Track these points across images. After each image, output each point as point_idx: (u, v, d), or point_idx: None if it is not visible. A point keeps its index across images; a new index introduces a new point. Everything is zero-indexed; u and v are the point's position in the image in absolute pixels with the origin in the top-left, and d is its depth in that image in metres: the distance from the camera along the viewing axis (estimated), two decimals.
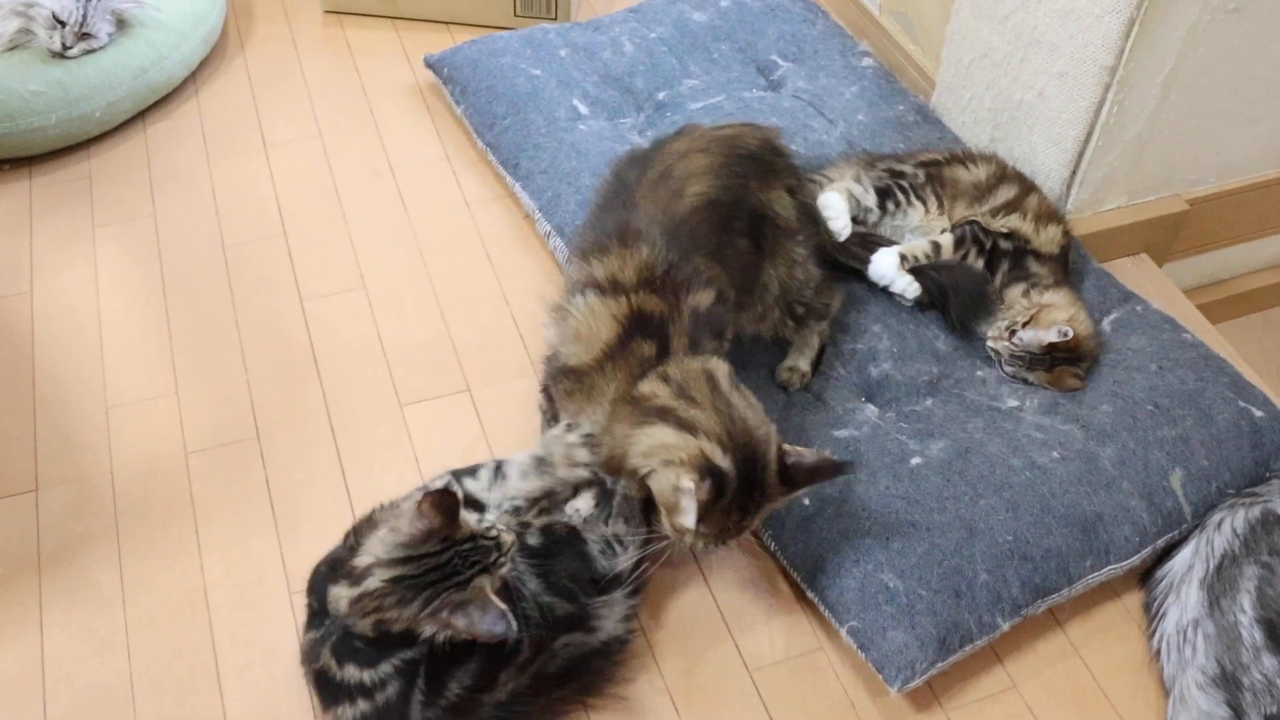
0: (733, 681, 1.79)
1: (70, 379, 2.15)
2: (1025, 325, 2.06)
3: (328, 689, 1.64)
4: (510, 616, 1.55)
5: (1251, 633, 1.73)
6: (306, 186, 2.54)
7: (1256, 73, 2.29)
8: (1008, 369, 2.09)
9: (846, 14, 2.91)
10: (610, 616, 1.74)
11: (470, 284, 2.36)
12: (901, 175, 2.27)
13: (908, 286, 2.15)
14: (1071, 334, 2.02)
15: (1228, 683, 1.72)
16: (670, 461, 1.59)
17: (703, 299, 1.76)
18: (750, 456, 1.60)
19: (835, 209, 2.17)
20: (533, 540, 1.73)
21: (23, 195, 2.50)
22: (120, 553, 1.91)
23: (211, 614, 1.84)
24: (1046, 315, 2.07)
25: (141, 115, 2.67)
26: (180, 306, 2.29)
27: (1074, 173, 2.32)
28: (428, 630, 1.56)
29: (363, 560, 1.59)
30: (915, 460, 1.90)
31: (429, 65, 2.71)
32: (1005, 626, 1.78)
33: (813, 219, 2.09)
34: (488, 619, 1.55)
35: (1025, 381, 2.08)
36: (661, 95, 2.59)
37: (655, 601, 1.87)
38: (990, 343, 2.11)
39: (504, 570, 1.60)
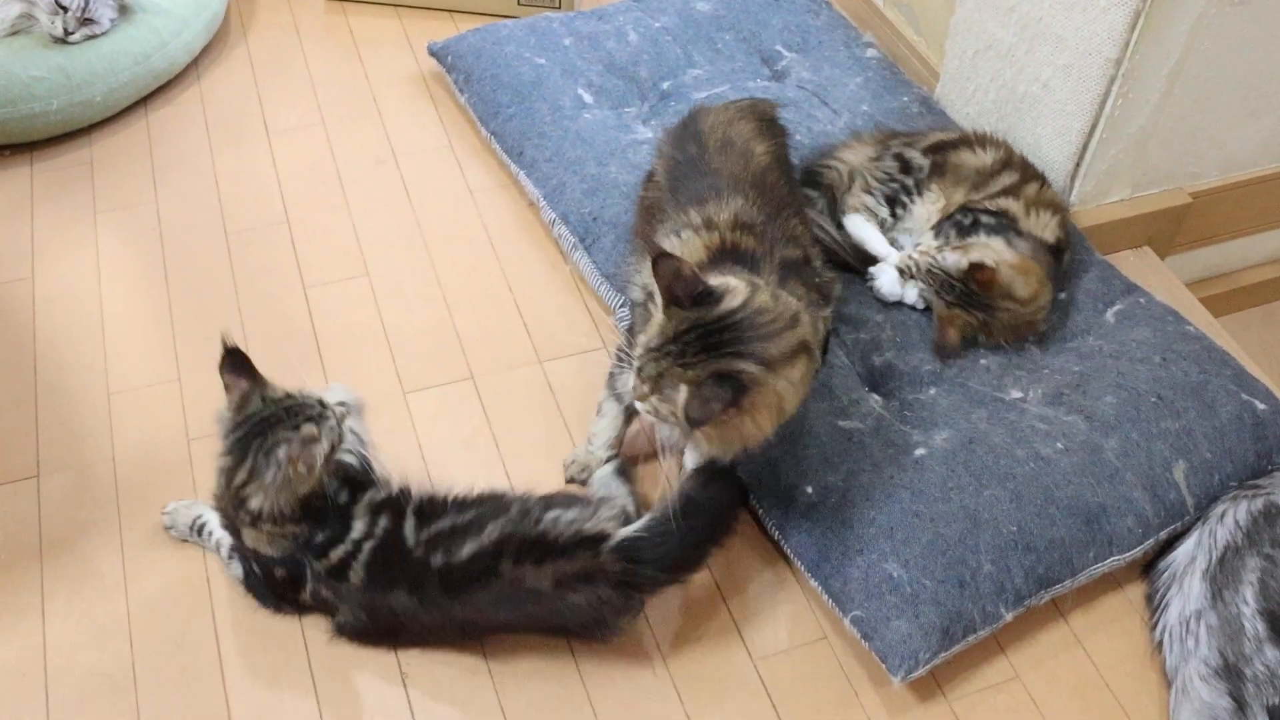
0: (737, 670, 1.79)
1: (72, 365, 2.15)
2: (955, 250, 2.07)
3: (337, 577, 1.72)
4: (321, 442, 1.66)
5: (1254, 624, 1.74)
6: (309, 174, 2.54)
7: (1261, 66, 2.30)
8: (912, 288, 2.09)
9: (850, 5, 2.91)
10: (605, 510, 1.75)
11: (474, 272, 2.35)
12: (908, 168, 2.26)
13: (918, 299, 2.16)
14: (993, 266, 2.01)
15: (1230, 674, 1.72)
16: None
17: (790, 253, 1.79)
18: None
19: (890, 287, 2.17)
20: None
21: (24, 181, 2.49)
22: (122, 540, 1.91)
23: (214, 602, 1.84)
24: (980, 250, 2.07)
25: (143, 101, 2.66)
26: (182, 293, 2.28)
27: (1078, 165, 2.33)
28: (269, 477, 1.66)
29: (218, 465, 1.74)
30: (919, 451, 1.90)
31: (432, 53, 2.71)
32: (1009, 617, 1.79)
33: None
34: (303, 454, 1.65)
35: (914, 309, 2.11)
36: (666, 85, 2.59)
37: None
38: (913, 252, 2.11)
39: (329, 428, 1.70)
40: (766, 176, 1.92)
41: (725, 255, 1.74)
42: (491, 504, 1.74)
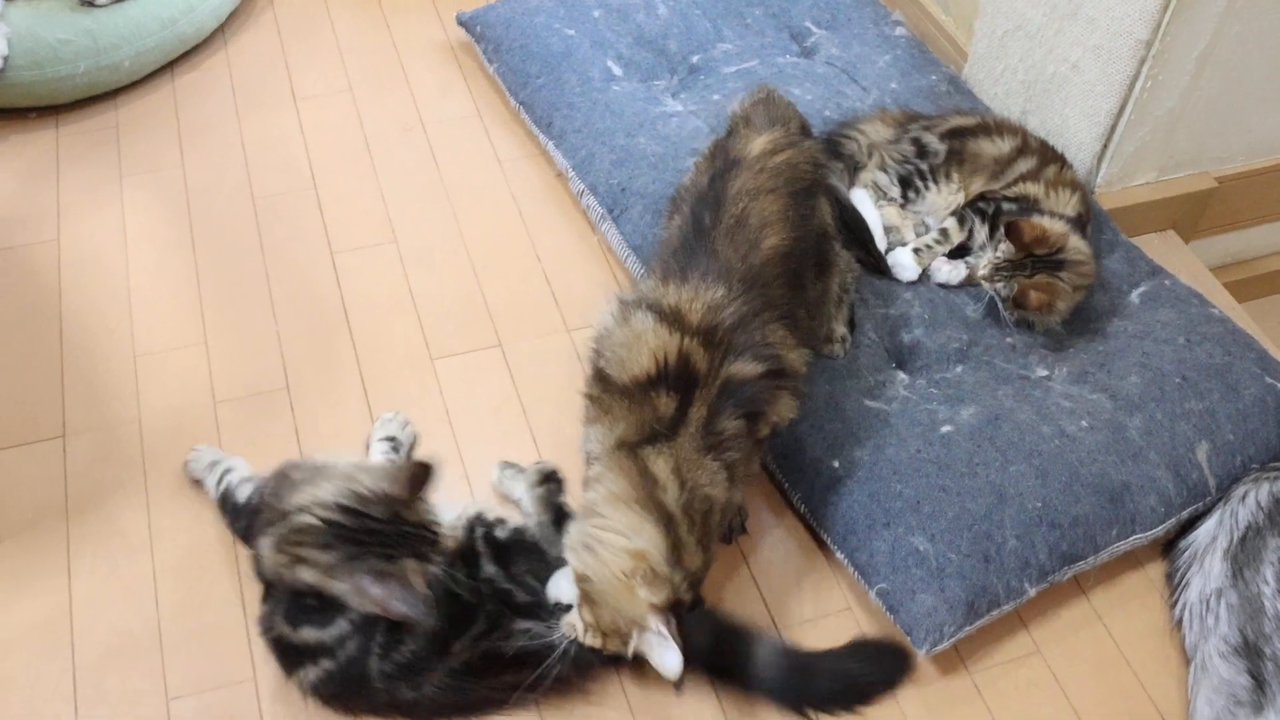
0: None
1: (97, 328, 2.15)
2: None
3: (288, 654, 1.66)
4: (423, 605, 1.55)
5: (1274, 604, 1.75)
6: (337, 141, 2.54)
7: None
8: (997, 284, 2.07)
9: None
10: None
11: (502, 241, 2.36)
12: (924, 152, 2.26)
13: (950, 273, 2.16)
14: (1032, 221, 2.03)
15: (1250, 652, 1.73)
16: (644, 571, 1.54)
17: (748, 370, 1.67)
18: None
19: (908, 269, 2.17)
20: (501, 535, 1.75)
21: (49, 144, 2.49)
22: (148, 501, 1.92)
23: (240, 564, 1.84)
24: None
25: (170, 66, 2.66)
26: (209, 257, 2.29)
27: (1105, 147, 2.33)
28: (336, 586, 1.56)
29: (297, 499, 1.60)
30: (946, 427, 1.91)
31: (461, 23, 2.71)
32: (1032, 592, 1.80)
33: (839, 204, 2.11)
34: (403, 597, 1.54)
35: (1003, 302, 2.07)
36: (695, 59, 2.59)
37: None
38: (982, 268, 2.11)
39: (433, 568, 1.60)
40: (767, 271, 1.77)
41: (669, 374, 1.64)
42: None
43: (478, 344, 2.17)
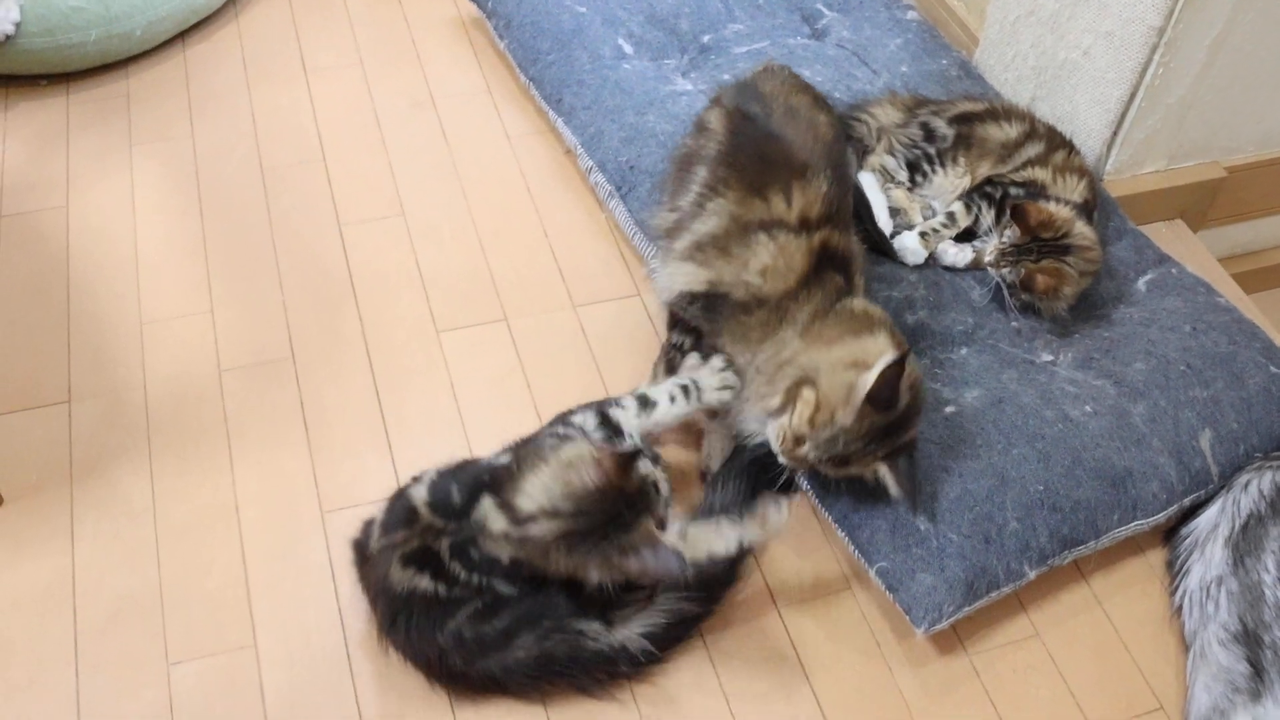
0: (761, 617, 1.81)
1: (104, 294, 2.16)
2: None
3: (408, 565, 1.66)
4: (678, 559, 1.56)
5: (1275, 592, 1.75)
6: (346, 114, 2.54)
7: None
8: (1004, 269, 2.08)
9: None
10: (635, 621, 1.71)
11: (509, 216, 2.36)
12: (932, 136, 2.26)
13: (957, 256, 2.16)
14: (1035, 204, 2.04)
15: (1249, 639, 1.73)
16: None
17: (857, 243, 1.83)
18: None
19: (915, 253, 2.17)
20: None
21: (60, 111, 2.50)
22: (151, 467, 1.92)
23: (243, 530, 1.85)
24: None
25: (181, 36, 2.67)
26: (216, 227, 2.29)
27: (1115, 134, 2.32)
28: (594, 577, 1.58)
29: (525, 504, 1.59)
30: (949, 409, 1.91)
31: None
32: (1032, 575, 1.80)
33: None
34: (662, 559, 1.56)
35: (1010, 288, 2.08)
36: (706, 38, 2.58)
37: None
38: (988, 254, 2.11)
39: (662, 512, 1.62)
40: (834, 150, 1.90)
41: (824, 264, 1.77)
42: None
43: (483, 318, 2.17)
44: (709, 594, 1.76)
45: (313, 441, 1.97)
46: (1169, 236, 2.40)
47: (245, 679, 1.69)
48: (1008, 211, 2.07)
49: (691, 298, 1.82)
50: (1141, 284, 2.18)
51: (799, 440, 1.69)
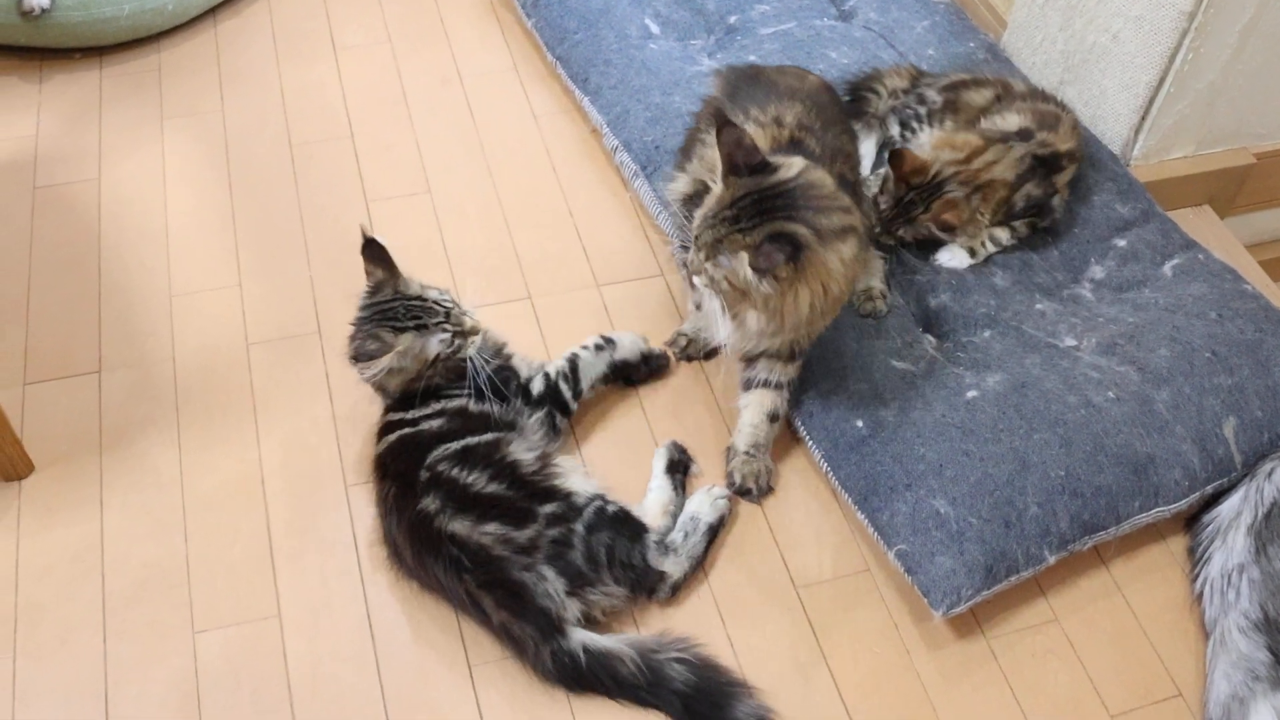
0: (779, 597, 1.82)
1: (135, 266, 2.18)
2: None
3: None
4: (379, 363, 1.76)
5: None
6: (374, 91, 2.55)
7: None
8: (901, 234, 2.14)
9: None
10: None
11: (535, 195, 2.37)
12: (923, 101, 2.30)
13: (953, 259, 2.17)
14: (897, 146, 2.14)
15: (1270, 628, 1.73)
16: None
17: (842, 169, 1.84)
18: None
19: (959, 259, 2.18)
20: None
21: (93, 85, 2.52)
22: (180, 438, 1.95)
23: (268, 502, 1.88)
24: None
25: (212, 12, 2.68)
26: (245, 201, 2.31)
27: (1143, 119, 2.31)
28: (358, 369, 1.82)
29: None
30: (971, 393, 1.91)
31: None
32: (1051, 560, 1.80)
33: None
34: (369, 363, 1.77)
35: (905, 244, 2.14)
36: (733, 19, 2.58)
37: None
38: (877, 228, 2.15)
39: (444, 338, 1.81)
40: (820, 96, 1.97)
41: (789, 149, 1.79)
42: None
43: (508, 295, 2.18)
44: None
45: (339, 417, 1.99)
46: (1196, 222, 2.39)
47: (269, 648, 1.72)
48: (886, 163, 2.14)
49: (685, 200, 1.90)
50: (1168, 269, 2.17)
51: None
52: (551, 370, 1.94)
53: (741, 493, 1.92)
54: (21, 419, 1.94)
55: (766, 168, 1.67)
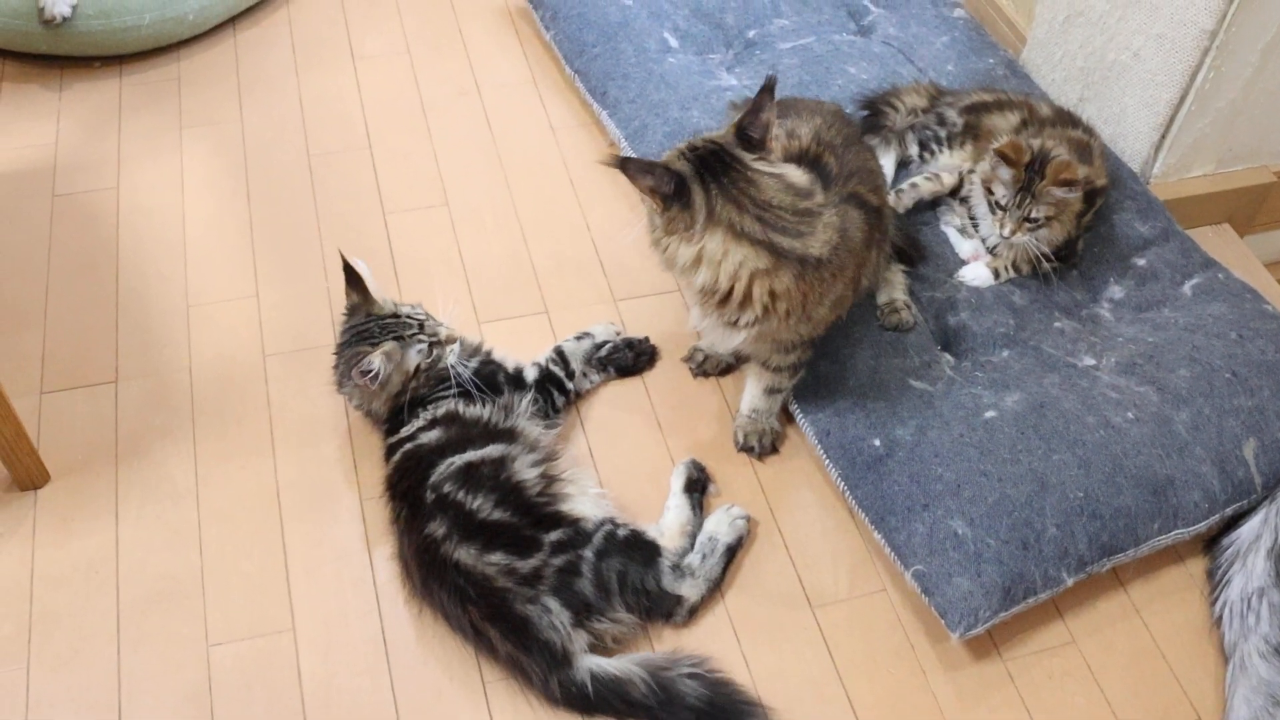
0: (795, 616, 1.81)
1: (152, 276, 2.18)
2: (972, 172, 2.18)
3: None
4: (372, 362, 1.80)
5: None
6: (393, 101, 2.56)
7: None
8: (1039, 233, 2.09)
9: None
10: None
11: (553, 208, 2.36)
12: (943, 122, 2.28)
13: (977, 277, 2.16)
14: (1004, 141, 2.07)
15: None
16: None
17: (859, 189, 1.84)
18: None
19: (982, 278, 2.17)
20: None
21: (113, 93, 2.52)
22: (195, 448, 1.95)
23: (283, 515, 1.87)
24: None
25: (232, 21, 2.69)
26: (263, 211, 2.31)
27: (1163, 136, 2.30)
28: (346, 390, 1.91)
29: None
30: (989, 413, 1.90)
31: None
32: (1070, 582, 1.79)
33: None
34: (361, 364, 1.80)
35: (1035, 225, 2.08)
36: (751, 33, 2.58)
37: None
38: (1013, 233, 2.09)
39: (420, 348, 1.86)
40: (839, 116, 2.00)
41: (802, 160, 1.80)
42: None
43: (525, 309, 2.18)
44: None
45: (354, 431, 1.98)
46: (1215, 241, 2.38)
47: (283, 662, 1.71)
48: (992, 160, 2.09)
49: None
50: (1187, 288, 2.16)
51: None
52: (542, 359, 2.02)
53: (745, 450, 2.01)
54: (38, 427, 1.95)
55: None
